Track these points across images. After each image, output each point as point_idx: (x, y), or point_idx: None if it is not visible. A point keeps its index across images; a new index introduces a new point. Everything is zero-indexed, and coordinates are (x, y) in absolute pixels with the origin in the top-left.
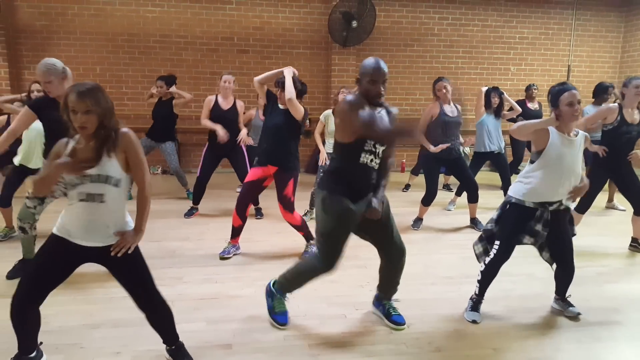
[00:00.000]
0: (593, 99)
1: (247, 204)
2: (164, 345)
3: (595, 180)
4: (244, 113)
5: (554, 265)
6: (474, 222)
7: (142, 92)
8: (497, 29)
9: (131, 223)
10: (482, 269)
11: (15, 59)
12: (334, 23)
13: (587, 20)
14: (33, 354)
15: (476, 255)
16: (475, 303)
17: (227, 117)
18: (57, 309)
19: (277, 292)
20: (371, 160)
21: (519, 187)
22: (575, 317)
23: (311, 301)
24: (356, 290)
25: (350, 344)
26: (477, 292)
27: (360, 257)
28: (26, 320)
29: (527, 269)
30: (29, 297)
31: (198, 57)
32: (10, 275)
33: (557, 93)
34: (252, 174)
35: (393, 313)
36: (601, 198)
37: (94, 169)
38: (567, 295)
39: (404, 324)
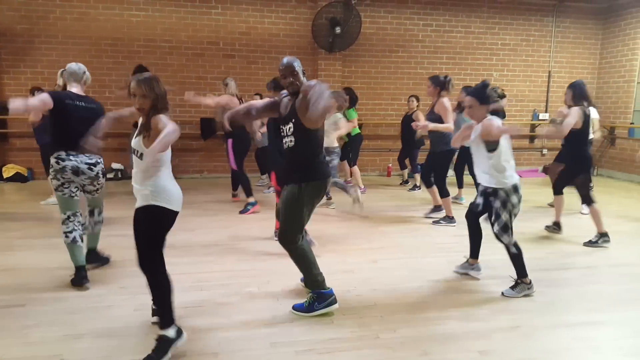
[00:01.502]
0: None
1: None
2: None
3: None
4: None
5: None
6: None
7: (125, 96)
8: (479, 36)
9: (164, 193)
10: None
11: None
12: (319, 29)
13: (567, 28)
14: None
15: None
16: None
17: None
18: (37, 320)
19: (317, 293)
20: (285, 143)
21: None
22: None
23: None
24: (343, 295)
25: (337, 350)
26: None
27: (347, 261)
28: None
29: (512, 272)
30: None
31: (183, 62)
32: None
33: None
34: None
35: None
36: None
37: (133, 142)
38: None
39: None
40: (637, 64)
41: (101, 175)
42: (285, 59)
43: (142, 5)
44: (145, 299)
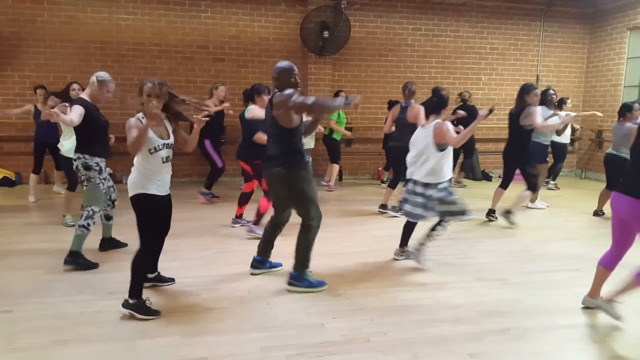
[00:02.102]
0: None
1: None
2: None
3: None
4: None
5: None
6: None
7: (114, 100)
8: (468, 40)
9: None
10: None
11: None
12: (309, 32)
13: (555, 32)
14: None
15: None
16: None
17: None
18: (24, 325)
19: (300, 275)
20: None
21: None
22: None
23: (289, 311)
24: (334, 299)
25: (328, 354)
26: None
27: (337, 265)
28: (149, 267)
29: (501, 275)
30: (155, 250)
31: (173, 65)
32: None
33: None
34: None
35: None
36: (583, 206)
37: (171, 138)
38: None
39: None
40: (623, 68)
41: (81, 168)
42: (289, 63)
43: (130, 9)
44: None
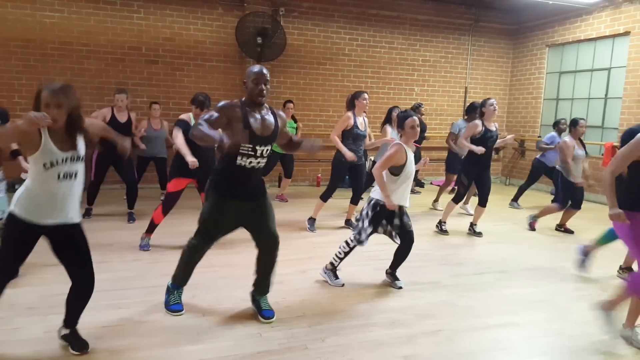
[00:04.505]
0: (465, 116)
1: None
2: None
3: (468, 176)
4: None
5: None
6: (349, 223)
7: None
8: (402, 52)
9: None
10: (345, 250)
11: None
12: (246, 38)
13: (481, 46)
14: None
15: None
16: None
17: (123, 129)
18: None
19: (172, 286)
20: (250, 163)
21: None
22: (398, 288)
23: (226, 322)
24: (272, 307)
25: None
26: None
27: (276, 272)
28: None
29: (433, 277)
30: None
31: (102, 67)
32: None
33: (403, 118)
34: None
35: (263, 307)
36: (509, 211)
37: (74, 150)
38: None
39: (272, 317)
40: (543, 82)
41: None
42: (260, 67)
43: (56, 6)
44: (57, 320)
